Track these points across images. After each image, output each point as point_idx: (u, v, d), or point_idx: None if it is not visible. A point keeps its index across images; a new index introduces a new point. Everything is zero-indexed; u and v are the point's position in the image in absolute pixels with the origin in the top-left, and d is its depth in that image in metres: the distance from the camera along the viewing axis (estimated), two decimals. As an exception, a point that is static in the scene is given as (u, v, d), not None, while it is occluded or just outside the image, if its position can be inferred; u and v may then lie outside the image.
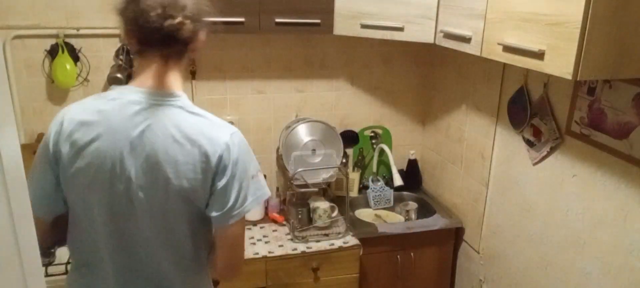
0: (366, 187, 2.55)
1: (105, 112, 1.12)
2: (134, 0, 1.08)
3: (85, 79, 2.16)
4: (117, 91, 1.15)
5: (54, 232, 1.23)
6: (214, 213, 1.16)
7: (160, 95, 1.13)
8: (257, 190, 1.20)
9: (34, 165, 1.17)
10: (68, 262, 1.79)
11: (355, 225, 2.25)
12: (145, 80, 1.14)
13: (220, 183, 1.13)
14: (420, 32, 1.92)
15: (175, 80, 1.17)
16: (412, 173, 2.62)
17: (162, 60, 1.14)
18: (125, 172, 1.11)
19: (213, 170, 1.12)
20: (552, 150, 1.74)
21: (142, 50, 1.14)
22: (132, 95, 1.13)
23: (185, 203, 1.14)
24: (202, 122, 1.14)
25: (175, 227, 1.17)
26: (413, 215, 2.41)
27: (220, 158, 1.12)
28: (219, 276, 1.37)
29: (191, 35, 1.11)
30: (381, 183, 2.53)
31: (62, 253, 1.85)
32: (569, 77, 1.25)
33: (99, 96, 1.17)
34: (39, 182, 1.16)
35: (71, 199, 1.18)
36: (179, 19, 1.07)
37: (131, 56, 1.12)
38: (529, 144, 1.85)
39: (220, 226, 1.17)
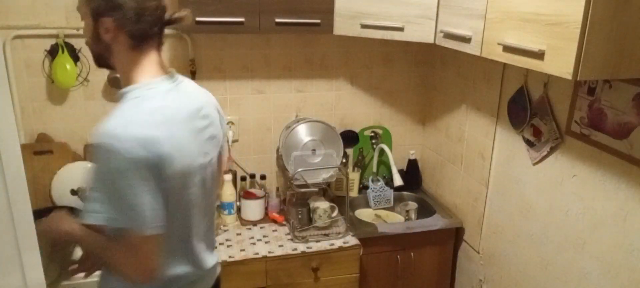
0: (366, 187, 2.55)
1: (163, 113, 1.16)
2: None
3: (85, 79, 2.15)
4: (146, 90, 1.17)
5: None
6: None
7: (172, 77, 1.24)
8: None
9: (137, 181, 1.10)
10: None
11: (355, 225, 2.25)
12: (153, 70, 1.20)
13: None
14: (420, 32, 1.92)
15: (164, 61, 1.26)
16: (412, 173, 2.62)
17: (156, 49, 1.22)
18: (198, 147, 1.26)
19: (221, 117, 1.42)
20: (552, 150, 1.74)
21: (137, 44, 1.17)
22: (164, 84, 1.20)
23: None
24: (201, 89, 1.36)
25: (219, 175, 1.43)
26: (413, 215, 2.41)
27: (219, 111, 1.42)
28: None
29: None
30: (381, 183, 2.53)
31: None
32: (569, 77, 1.25)
33: (138, 105, 1.15)
34: (154, 199, 1.13)
35: (175, 207, 1.23)
36: (187, 11, 1.21)
37: (95, 55, 1.14)
38: (529, 143, 1.85)
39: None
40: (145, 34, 1.16)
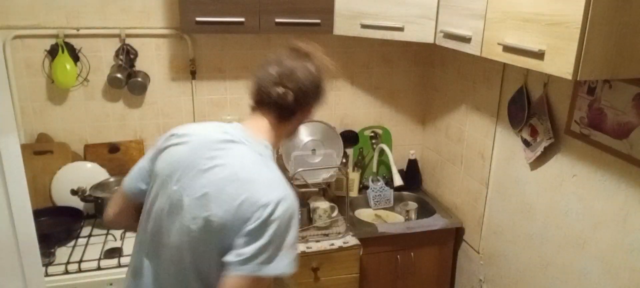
0: (366, 187, 2.55)
1: (205, 130, 1.25)
2: (263, 66, 1.26)
3: (85, 79, 2.16)
4: (232, 125, 1.26)
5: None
6: (229, 256, 1.11)
7: (253, 140, 1.23)
8: (284, 263, 1.13)
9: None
10: (68, 262, 1.79)
11: (355, 225, 2.25)
12: (251, 126, 1.26)
13: (248, 232, 1.10)
14: (420, 32, 1.92)
15: (272, 135, 1.28)
16: (412, 173, 2.62)
17: (269, 119, 1.26)
18: (182, 178, 1.19)
19: (246, 218, 1.10)
20: (547, 150, 1.74)
21: (255, 107, 1.28)
22: (235, 130, 1.24)
23: (212, 234, 1.13)
24: (264, 173, 1.18)
25: (190, 262, 1.19)
26: (413, 215, 2.41)
27: (257, 209, 1.10)
28: None
29: (296, 104, 1.25)
30: (381, 183, 2.53)
31: (62, 254, 1.85)
32: (569, 77, 1.25)
33: (217, 123, 1.29)
34: (142, 167, 1.33)
35: (147, 190, 1.30)
36: (283, 90, 1.22)
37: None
38: (526, 143, 1.85)
39: (230, 272, 1.10)
40: (257, 99, 1.29)
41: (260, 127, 1.26)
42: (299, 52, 1.30)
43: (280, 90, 1.22)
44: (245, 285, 1.10)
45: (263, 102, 1.25)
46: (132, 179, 1.32)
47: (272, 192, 1.14)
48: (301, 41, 1.33)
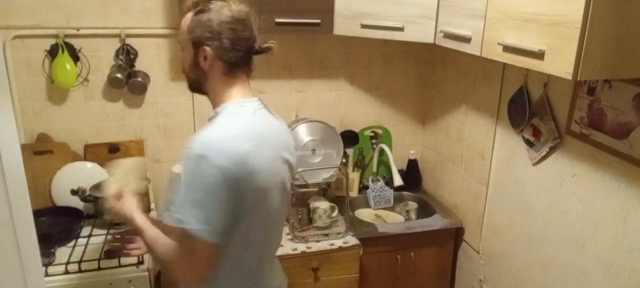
0: (366, 187, 2.55)
1: (253, 130, 1.27)
2: (235, 22, 1.25)
3: (85, 79, 2.16)
4: (252, 104, 1.32)
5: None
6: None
7: (258, 100, 1.36)
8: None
9: (213, 189, 1.18)
10: (68, 262, 1.78)
11: (355, 225, 2.25)
12: (246, 91, 1.34)
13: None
14: (420, 32, 1.92)
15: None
16: (412, 173, 2.62)
17: (246, 75, 1.35)
18: (276, 178, 1.32)
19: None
20: (552, 150, 1.74)
21: (230, 70, 1.29)
22: (257, 105, 1.34)
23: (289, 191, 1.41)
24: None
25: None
26: (413, 215, 2.41)
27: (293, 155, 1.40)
28: None
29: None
30: (381, 183, 2.53)
31: (62, 254, 1.85)
32: (569, 77, 1.25)
33: (234, 116, 1.28)
34: (222, 210, 1.21)
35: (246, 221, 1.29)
36: (274, 42, 1.34)
37: (193, 78, 1.26)
38: (529, 143, 1.85)
39: None
40: (238, 61, 1.29)
41: (248, 86, 1.37)
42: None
43: (271, 43, 1.36)
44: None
45: (247, 59, 1.34)
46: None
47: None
48: None
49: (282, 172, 1.33)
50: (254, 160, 1.20)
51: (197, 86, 1.35)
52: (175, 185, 1.19)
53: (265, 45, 1.33)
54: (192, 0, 1.27)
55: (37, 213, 1.86)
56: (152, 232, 1.31)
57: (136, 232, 1.36)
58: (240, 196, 1.19)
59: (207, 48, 1.25)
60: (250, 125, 1.26)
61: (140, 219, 1.34)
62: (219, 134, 1.20)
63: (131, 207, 1.37)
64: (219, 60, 1.27)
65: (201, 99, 2.31)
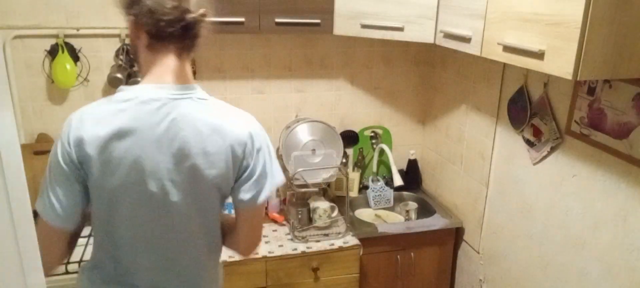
0: (366, 187, 2.55)
1: (125, 113, 1.10)
2: None
3: (85, 79, 2.16)
4: (129, 91, 1.13)
5: (72, 244, 1.24)
6: (243, 196, 1.22)
7: (178, 89, 1.14)
8: (278, 172, 1.27)
9: (52, 177, 1.13)
10: (68, 263, 1.78)
11: (355, 225, 2.25)
12: (162, 74, 1.13)
13: (249, 170, 1.20)
14: (420, 32, 1.92)
15: (188, 72, 1.18)
16: (412, 173, 2.62)
17: (176, 54, 1.14)
18: (157, 170, 1.12)
19: (240, 159, 1.19)
20: (553, 150, 1.74)
21: (153, 44, 1.13)
22: (151, 92, 1.12)
23: (216, 190, 1.20)
24: (223, 113, 1.19)
25: (209, 212, 1.23)
26: (413, 215, 2.41)
27: (245, 146, 1.18)
28: (242, 254, 1.38)
29: (203, 29, 1.15)
30: (381, 183, 2.53)
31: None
32: (569, 77, 1.25)
33: (109, 100, 1.14)
34: (67, 194, 1.13)
35: (97, 207, 1.17)
36: (204, 10, 1.12)
37: (131, 56, 1.13)
38: (529, 143, 1.85)
39: (248, 207, 1.24)
40: (162, 32, 1.11)
41: (171, 68, 1.15)
42: None
43: (200, 12, 1.12)
44: (262, 211, 1.31)
45: (167, 34, 1.11)
46: (70, 221, 1.20)
47: (243, 126, 1.20)
48: None
49: (163, 177, 1.13)
50: (94, 149, 1.09)
51: (134, 60, 1.27)
52: None
53: (200, 12, 1.12)
54: None
55: (37, 214, 1.85)
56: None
57: None
58: (82, 183, 1.13)
59: (129, 17, 1.13)
60: (119, 113, 1.10)
61: None
62: (77, 114, 1.16)
63: None
64: (142, 30, 1.12)
65: (201, 99, 2.32)
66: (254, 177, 1.21)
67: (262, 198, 1.24)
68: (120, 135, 1.09)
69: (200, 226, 1.22)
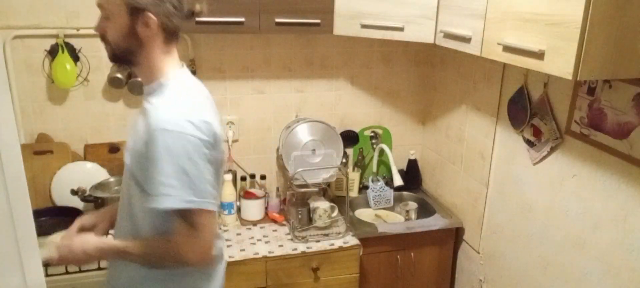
0: (366, 187, 2.55)
1: (205, 97, 1.29)
2: None
3: (85, 79, 2.16)
4: (193, 80, 1.29)
5: None
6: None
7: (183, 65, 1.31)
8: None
9: (203, 170, 1.18)
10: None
11: (355, 225, 2.25)
12: (178, 59, 1.28)
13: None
14: (420, 32, 1.92)
15: None
16: (412, 173, 2.62)
17: (177, 44, 1.28)
18: None
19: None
20: (553, 150, 1.74)
21: (171, 37, 1.24)
22: (188, 72, 1.30)
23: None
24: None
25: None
26: (413, 215, 2.41)
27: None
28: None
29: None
30: (381, 183, 2.53)
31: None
32: (569, 77, 1.25)
33: (195, 91, 1.27)
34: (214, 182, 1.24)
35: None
36: (201, 5, 1.24)
37: (126, 51, 1.15)
38: (529, 143, 1.85)
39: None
40: (177, 29, 1.23)
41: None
42: None
43: (202, 5, 1.27)
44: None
45: (180, 27, 1.25)
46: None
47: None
48: None
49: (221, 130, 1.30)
50: (216, 127, 1.22)
51: (126, 57, 1.24)
52: (157, 168, 1.12)
53: (198, 8, 1.26)
54: None
55: (37, 213, 1.86)
56: (137, 243, 1.24)
57: (119, 254, 1.26)
58: (215, 162, 1.22)
59: (150, 14, 1.16)
60: (202, 94, 1.28)
61: (113, 241, 1.29)
62: (182, 109, 1.16)
63: (94, 238, 1.29)
64: (160, 27, 1.19)
65: (201, 99, 2.32)
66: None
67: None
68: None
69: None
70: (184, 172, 1.13)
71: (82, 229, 1.40)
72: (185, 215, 1.16)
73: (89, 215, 1.48)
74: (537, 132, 1.80)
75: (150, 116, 1.15)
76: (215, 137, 1.20)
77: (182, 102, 1.19)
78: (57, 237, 1.34)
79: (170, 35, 1.23)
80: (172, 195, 1.13)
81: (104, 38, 1.24)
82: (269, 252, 2.03)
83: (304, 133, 2.25)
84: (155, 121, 1.13)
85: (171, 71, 1.24)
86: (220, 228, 1.40)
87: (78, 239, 1.28)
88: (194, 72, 2.23)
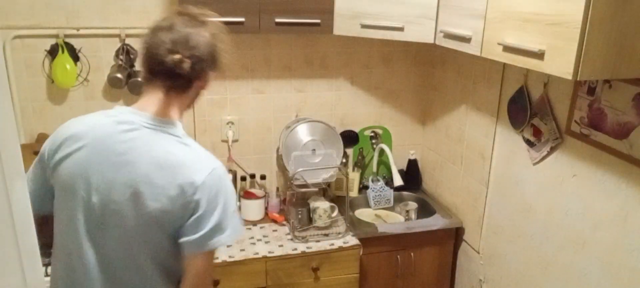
0: (366, 187, 2.55)
1: (97, 126, 1.19)
2: (153, 32, 1.17)
3: (85, 79, 2.16)
4: (117, 110, 1.21)
5: (43, 230, 1.22)
6: (184, 239, 1.17)
7: (155, 120, 1.19)
8: (235, 227, 1.23)
9: (33, 164, 1.26)
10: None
11: (355, 225, 2.25)
12: (145, 105, 1.20)
13: (196, 214, 1.16)
14: (420, 32, 1.92)
15: (173, 110, 1.22)
16: (412, 173, 2.62)
17: (164, 91, 1.20)
18: (100, 184, 1.16)
19: (187, 201, 1.15)
20: (552, 150, 1.74)
21: (148, 78, 1.21)
22: (128, 115, 1.19)
23: (156, 226, 1.17)
24: (186, 153, 1.19)
25: (152, 245, 1.20)
26: (413, 215, 2.41)
27: (195, 191, 1.15)
28: None
29: (193, 72, 1.17)
30: (381, 183, 2.53)
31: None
32: (569, 77, 1.25)
33: (102, 112, 1.24)
34: (32, 181, 1.25)
35: (55, 204, 1.24)
36: (179, 56, 1.14)
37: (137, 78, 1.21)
38: (529, 143, 1.85)
39: (189, 253, 1.18)
40: (150, 70, 1.21)
41: (155, 101, 1.19)
42: (192, 18, 1.20)
43: (175, 57, 1.14)
44: (208, 259, 1.21)
45: (156, 72, 1.17)
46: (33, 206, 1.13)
47: (203, 169, 1.17)
48: (193, 6, 1.25)
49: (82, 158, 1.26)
50: (64, 135, 1.23)
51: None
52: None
53: (174, 58, 1.19)
54: (189, 12, 1.20)
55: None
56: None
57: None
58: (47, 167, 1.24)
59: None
60: (85, 120, 1.27)
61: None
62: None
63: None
64: (141, 64, 1.23)
65: (201, 98, 2.32)
66: (201, 222, 1.16)
67: (208, 246, 1.18)
68: (77, 139, 1.19)
69: (146, 256, 1.21)
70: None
71: None
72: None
73: None
74: (537, 132, 1.80)
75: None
76: (56, 147, 1.22)
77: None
78: None
79: (148, 75, 1.22)
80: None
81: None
82: (269, 252, 2.03)
83: (304, 133, 2.25)
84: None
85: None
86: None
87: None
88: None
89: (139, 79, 2.15)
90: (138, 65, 1.27)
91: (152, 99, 1.20)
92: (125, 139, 1.16)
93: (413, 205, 2.44)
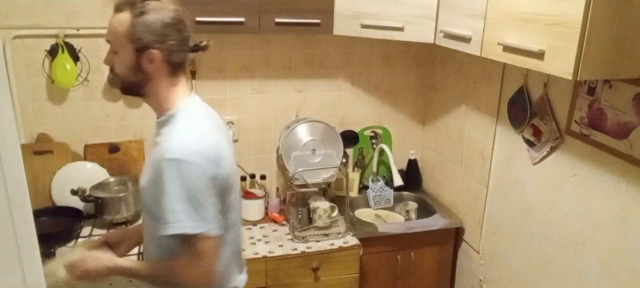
0: (366, 187, 2.55)
1: (215, 124, 1.34)
2: (184, 24, 1.25)
3: (85, 79, 2.16)
4: (203, 106, 1.35)
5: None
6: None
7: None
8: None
9: (205, 191, 1.22)
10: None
11: (355, 225, 2.25)
12: (186, 89, 1.33)
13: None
14: (420, 32, 1.92)
15: None
16: (412, 173, 2.62)
17: (184, 72, 1.32)
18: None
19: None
20: (552, 150, 1.74)
21: (176, 70, 1.29)
22: (197, 98, 1.36)
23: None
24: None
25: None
26: (413, 215, 2.41)
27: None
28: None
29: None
30: (381, 183, 2.53)
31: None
32: (569, 77, 1.25)
33: (211, 113, 1.37)
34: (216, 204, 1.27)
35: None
36: (208, 41, 1.33)
37: (130, 82, 1.26)
38: (529, 143, 1.85)
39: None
40: (183, 61, 1.29)
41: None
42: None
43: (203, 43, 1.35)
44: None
45: (186, 60, 1.32)
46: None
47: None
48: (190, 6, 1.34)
49: (232, 152, 1.36)
50: (221, 150, 1.25)
51: (135, 89, 1.30)
52: (167, 195, 1.18)
53: (204, 43, 1.34)
54: (126, 0, 1.22)
55: (37, 213, 1.86)
56: (146, 265, 1.37)
57: (128, 274, 1.35)
58: (221, 186, 1.25)
59: (154, 51, 1.21)
60: (210, 120, 1.32)
61: (124, 261, 1.37)
62: (192, 139, 1.22)
63: (105, 257, 1.36)
64: (164, 62, 1.25)
65: (201, 98, 2.31)
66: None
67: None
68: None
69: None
70: (188, 199, 1.17)
71: (107, 244, 1.46)
72: (189, 241, 1.20)
73: (115, 230, 1.58)
74: (537, 132, 1.80)
75: (159, 146, 1.21)
76: (222, 163, 1.24)
77: (189, 130, 1.23)
78: (65, 251, 1.40)
79: (176, 67, 1.28)
80: (176, 221, 1.18)
81: (112, 71, 1.30)
82: (269, 252, 2.03)
83: (304, 133, 2.25)
84: (163, 151, 1.18)
85: (180, 101, 1.29)
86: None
87: (90, 258, 1.34)
88: (193, 73, 2.24)
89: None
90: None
91: (185, 83, 1.33)
92: (215, 114, 1.40)
93: (413, 205, 2.44)
